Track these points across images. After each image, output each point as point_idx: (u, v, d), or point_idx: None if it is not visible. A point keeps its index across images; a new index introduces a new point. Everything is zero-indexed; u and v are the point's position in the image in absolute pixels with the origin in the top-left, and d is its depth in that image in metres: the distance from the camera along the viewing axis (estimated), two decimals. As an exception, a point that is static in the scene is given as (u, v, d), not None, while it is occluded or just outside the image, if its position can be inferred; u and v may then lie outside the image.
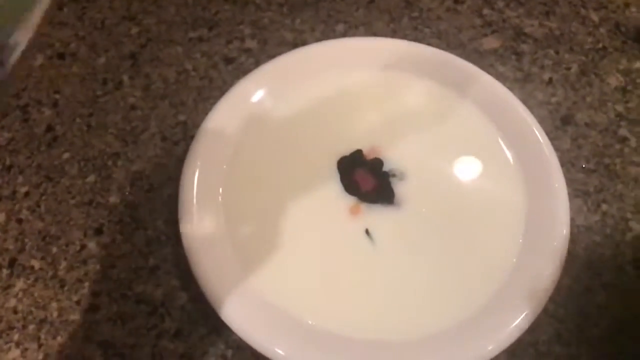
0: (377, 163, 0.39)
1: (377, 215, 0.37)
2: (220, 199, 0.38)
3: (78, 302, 0.37)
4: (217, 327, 0.35)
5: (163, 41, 0.47)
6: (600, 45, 0.47)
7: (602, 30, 0.48)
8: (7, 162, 0.42)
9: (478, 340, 0.33)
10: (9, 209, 0.40)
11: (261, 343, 0.33)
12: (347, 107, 0.41)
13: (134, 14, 0.49)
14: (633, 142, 0.42)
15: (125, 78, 0.45)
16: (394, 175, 0.39)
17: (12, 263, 0.38)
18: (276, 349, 0.33)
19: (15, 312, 0.36)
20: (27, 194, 0.41)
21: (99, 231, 0.39)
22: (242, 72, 0.44)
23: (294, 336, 0.33)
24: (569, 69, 0.46)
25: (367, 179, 0.39)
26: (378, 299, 0.35)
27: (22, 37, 0.47)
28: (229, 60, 0.46)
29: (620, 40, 0.47)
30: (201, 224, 0.36)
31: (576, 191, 0.40)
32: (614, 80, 0.45)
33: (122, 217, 0.39)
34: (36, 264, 0.38)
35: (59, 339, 0.35)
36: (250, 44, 0.47)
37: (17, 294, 0.37)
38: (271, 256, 0.36)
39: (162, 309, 0.36)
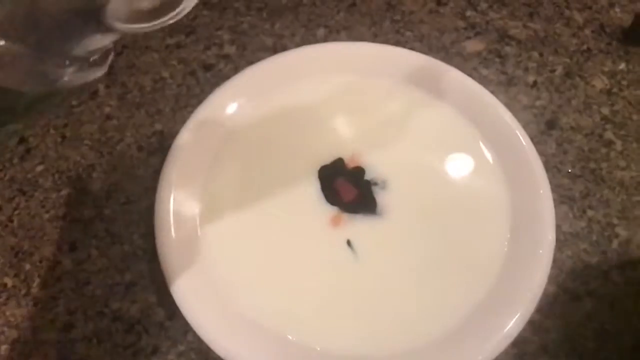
0: (359, 172, 0.38)
1: (359, 226, 0.36)
2: (197, 211, 0.37)
3: (52, 321, 0.36)
4: (196, 344, 0.34)
5: (139, 48, 0.46)
6: (585, 46, 0.46)
7: (586, 31, 0.47)
8: (-21, 176, 0.41)
9: (464, 352, 0.32)
10: (-19, 224, 0.39)
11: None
12: (328, 114, 0.41)
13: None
14: (619, 145, 0.41)
15: (100, 87, 0.44)
16: (375, 184, 0.38)
17: (-17, 281, 0.37)
18: (256, 367, 0.32)
19: (-14, 332, 0.35)
20: (-1, 208, 0.39)
21: (73, 246, 0.38)
22: (221, 78, 0.42)
23: (275, 353, 0.33)
24: (553, 71, 0.45)
25: (348, 188, 0.38)
26: (361, 312, 0.34)
27: None
28: (207, 67, 0.45)
29: (605, 41, 0.46)
30: (178, 238, 0.35)
31: (562, 197, 0.39)
32: (599, 83, 0.44)
33: (97, 231, 0.38)
34: (9, 281, 0.37)
35: (33, 359, 0.34)
36: (229, 49, 0.46)
37: (-11, 313, 0.36)
38: (250, 271, 0.35)
39: (138, 326, 0.35)
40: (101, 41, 0.22)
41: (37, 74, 0.20)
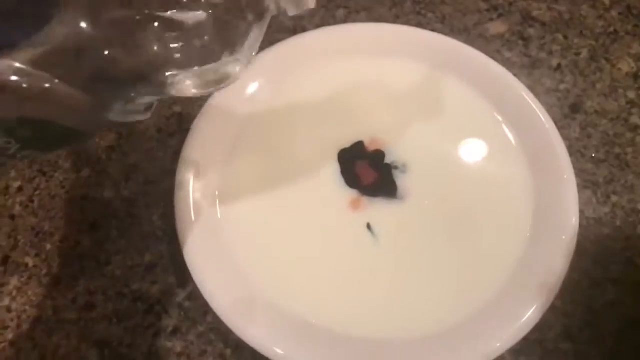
0: (379, 155, 0.38)
1: (379, 209, 0.36)
2: (217, 193, 0.37)
3: (73, 300, 0.36)
4: (216, 325, 0.34)
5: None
6: (612, 29, 0.45)
7: (613, 13, 0.46)
8: None
9: (484, 338, 0.32)
10: (2, 204, 0.39)
11: (260, 342, 0.32)
12: (348, 97, 0.40)
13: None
14: (645, 130, 0.41)
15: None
16: (396, 168, 0.37)
17: (5, 260, 0.37)
18: (275, 349, 0.32)
19: (9, 310, 0.36)
20: (20, 189, 0.40)
21: (93, 227, 0.38)
22: (240, 60, 0.42)
23: (293, 335, 0.33)
24: (578, 54, 0.44)
25: (368, 171, 0.37)
26: (380, 296, 0.34)
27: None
28: (226, 49, 0.45)
29: (632, 23, 0.45)
30: (198, 220, 0.35)
31: (585, 182, 0.39)
32: (626, 66, 0.43)
33: (117, 212, 0.38)
34: (30, 261, 0.37)
35: (54, 338, 0.35)
36: (248, 31, 0.45)
37: (11, 292, 0.36)
38: (270, 253, 0.35)
39: (158, 306, 0.36)
40: (154, 99, 0.23)
41: (84, 115, 0.21)
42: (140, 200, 0.39)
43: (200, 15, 0.21)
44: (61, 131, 0.22)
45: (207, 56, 0.22)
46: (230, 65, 0.22)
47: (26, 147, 0.22)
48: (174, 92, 0.22)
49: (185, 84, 0.22)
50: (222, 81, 0.23)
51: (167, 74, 0.21)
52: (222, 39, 0.22)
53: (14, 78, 0.19)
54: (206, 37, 0.21)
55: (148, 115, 0.24)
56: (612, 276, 0.36)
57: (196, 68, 0.22)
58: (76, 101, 0.21)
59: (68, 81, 0.20)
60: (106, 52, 0.20)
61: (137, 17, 0.20)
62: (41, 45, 0.20)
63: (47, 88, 0.20)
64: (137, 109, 0.23)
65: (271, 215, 0.36)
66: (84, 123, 0.22)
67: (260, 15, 0.23)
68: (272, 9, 0.23)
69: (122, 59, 0.20)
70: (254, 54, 0.24)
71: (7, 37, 0.19)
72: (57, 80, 0.20)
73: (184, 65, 0.21)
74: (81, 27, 0.20)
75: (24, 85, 0.19)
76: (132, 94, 0.22)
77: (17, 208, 0.39)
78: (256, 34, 0.23)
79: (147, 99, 0.23)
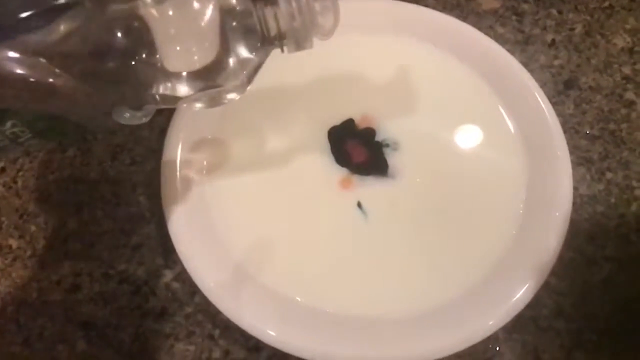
0: (370, 133, 0.37)
1: (369, 188, 0.36)
2: (204, 172, 0.36)
3: (58, 282, 0.35)
4: (204, 306, 0.34)
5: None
6: (606, 3, 0.44)
7: (608, -13, 0.45)
8: (-18, 137, 0.40)
9: (476, 315, 0.32)
10: (-15, 186, 0.38)
11: (249, 322, 0.31)
12: (338, 73, 0.39)
13: None
14: (640, 106, 0.40)
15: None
16: (387, 145, 0.37)
17: (-12, 243, 0.36)
18: (264, 329, 0.31)
19: (-7, 293, 0.35)
20: (2, 169, 0.39)
21: (79, 208, 0.37)
22: (228, 37, 0.41)
23: (283, 315, 0.32)
24: (572, 29, 0.43)
25: (359, 149, 0.37)
26: (371, 274, 0.34)
27: None
28: (213, 26, 0.44)
29: (628, -2, 0.44)
30: (184, 199, 0.34)
31: (579, 159, 0.38)
32: (621, 41, 0.43)
33: (103, 192, 0.38)
34: (14, 243, 0.36)
35: (39, 320, 0.34)
36: (236, 8, 0.44)
37: (-5, 275, 0.36)
38: (258, 232, 0.34)
39: (145, 287, 0.35)
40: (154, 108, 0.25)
41: (94, 113, 0.23)
42: (127, 180, 0.38)
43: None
44: (71, 126, 0.24)
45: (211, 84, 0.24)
46: (230, 92, 0.25)
47: (37, 136, 0.24)
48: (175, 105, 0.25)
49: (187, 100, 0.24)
50: (219, 103, 0.25)
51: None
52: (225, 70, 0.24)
53: (19, 71, 0.20)
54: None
55: (147, 119, 0.26)
56: (606, 254, 0.35)
57: (199, 93, 0.24)
58: (83, 98, 0.22)
59: (77, 77, 0.21)
60: (125, 61, 0.22)
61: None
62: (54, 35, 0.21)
63: (52, 82, 0.21)
64: (139, 114, 0.25)
65: (260, 194, 0.35)
66: (90, 121, 0.24)
67: (262, 55, 0.25)
68: (272, 47, 0.25)
69: (132, 71, 0.22)
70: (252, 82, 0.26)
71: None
72: (67, 76, 0.21)
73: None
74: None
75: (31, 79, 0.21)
76: (139, 102, 0.24)
77: (1, 189, 0.38)
78: (256, 67, 0.25)
79: (150, 108, 0.25)
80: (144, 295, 0.35)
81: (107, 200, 0.37)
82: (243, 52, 0.24)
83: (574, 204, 0.34)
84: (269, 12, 0.24)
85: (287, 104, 0.38)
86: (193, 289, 0.33)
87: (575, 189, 0.35)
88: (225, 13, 0.23)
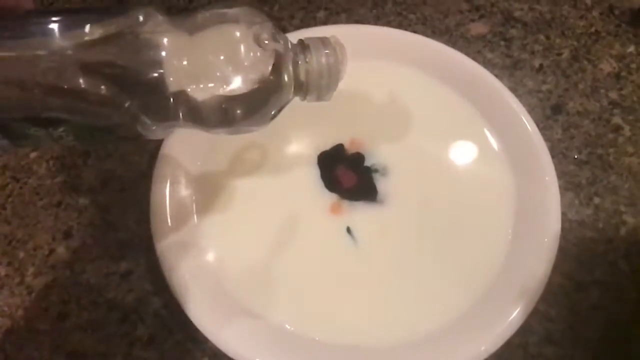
0: (359, 158, 0.37)
1: (359, 213, 0.36)
2: (194, 198, 0.36)
3: (46, 310, 0.35)
4: (193, 334, 0.33)
5: (135, 31, 0.45)
6: (593, 29, 0.45)
7: (594, 13, 0.46)
8: (-28, 163, 0.40)
9: (466, 342, 0.32)
10: (-27, 212, 0.38)
11: (238, 350, 0.31)
12: (328, 99, 0.39)
13: (107, 5, 0.47)
14: (627, 131, 0.40)
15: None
16: (376, 171, 0.37)
17: (-24, 270, 0.36)
18: (253, 357, 0.31)
19: (-21, 321, 0.35)
20: (-8, 196, 0.39)
21: (68, 234, 0.37)
22: (218, 63, 0.41)
23: (272, 343, 0.32)
24: (560, 54, 0.44)
25: (348, 175, 0.37)
26: (361, 302, 0.34)
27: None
28: (204, 51, 0.44)
29: (614, 23, 0.45)
30: (174, 225, 0.34)
31: (568, 184, 0.38)
32: (607, 66, 0.43)
33: (92, 219, 0.38)
34: (2, 270, 0.36)
35: (25, 349, 0.34)
36: (227, 33, 0.45)
37: (-18, 302, 0.35)
38: (248, 258, 0.34)
39: (134, 315, 0.35)
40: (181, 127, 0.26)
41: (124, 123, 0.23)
42: (116, 206, 0.38)
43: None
44: (110, 137, 0.25)
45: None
46: (252, 127, 0.27)
47: (78, 140, 0.24)
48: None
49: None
50: (237, 133, 0.27)
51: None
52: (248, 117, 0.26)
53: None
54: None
55: (168, 135, 0.28)
56: (596, 279, 0.35)
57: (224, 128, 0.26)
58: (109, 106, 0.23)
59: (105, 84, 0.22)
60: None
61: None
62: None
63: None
64: (163, 130, 0.25)
65: (249, 220, 0.35)
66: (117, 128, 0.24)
67: (282, 106, 0.27)
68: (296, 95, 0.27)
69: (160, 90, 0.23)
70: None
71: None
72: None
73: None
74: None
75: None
76: (163, 118, 0.24)
77: (-11, 215, 0.38)
78: (280, 109, 0.27)
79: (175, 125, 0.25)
80: (132, 322, 0.35)
81: (97, 226, 0.37)
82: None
83: (562, 229, 0.34)
84: (302, 67, 0.26)
85: (276, 129, 0.38)
86: (182, 317, 0.32)
87: (563, 214, 0.35)
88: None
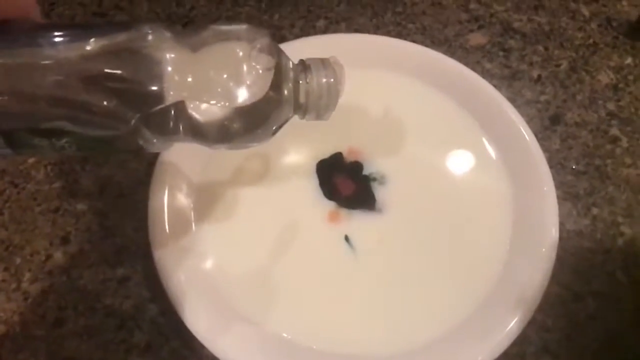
0: (357, 167, 0.37)
1: (357, 222, 0.36)
2: (192, 205, 0.36)
3: (43, 316, 0.35)
4: (189, 342, 0.33)
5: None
6: (591, 40, 0.45)
7: (592, 25, 0.46)
8: (-30, 167, 0.40)
9: (463, 352, 0.32)
10: (-29, 217, 0.38)
11: (235, 359, 0.31)
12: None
13: (106, 10, 0.47)
14: (625, 142, 0.40)
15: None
16: (374, 180, 0.37)
17: (-27, 275, 0.36)
18: (250, 365, 0.31)
19: (-25, 327, 0.35)
20: (-11, 201, 0.39)
21: (65, 240, 0.37)
22: (218, 70, 0.41)
23: (269, 351, 0.32)
24: (558, 65, 0.44)
25: (346, 183, 0.37)
26: (359, 310, 0.33)
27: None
28: (204, 58, 0.44)
29: (612, 35, 0.45)
30: (172, 232, 0.34)
31: (565, 194, 0.38)
32: (605, 77, 0.43)
33: (90, 225, 0.37)
34: (-1, 275, 0.36)
35: (20, 356, 0.34)
36: (227, 41, 0.45)
37: (-22, 308, 0.35)
38: (246, 266, 0.34)
39: (131, 322, 0.35)
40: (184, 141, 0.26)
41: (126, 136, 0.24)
42: (114, 212, 0.38)
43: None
44: (111, 149, 0.25)
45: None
46: (253, 143, 0.27)
47: (80, 151, 0.24)
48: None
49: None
50: (238, 149, 0.27)
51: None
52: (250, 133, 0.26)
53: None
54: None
55: (170, 147, 0.26)
56: (593, 289, 0.35)
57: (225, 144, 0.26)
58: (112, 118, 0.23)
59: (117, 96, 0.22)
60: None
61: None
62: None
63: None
64: (163, 143, 0.26)
65: (247, 227, 0.35)
66: (117, 140, 0.24)
67: (282, 124, 0.27)
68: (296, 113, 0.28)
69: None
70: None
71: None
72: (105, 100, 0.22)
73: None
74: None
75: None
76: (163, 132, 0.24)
77: (-13, 220, 0.38)
78: (281, 125, 0.27)
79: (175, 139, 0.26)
80: (129, 329, 0.34)
81: (94, 232, 0.37)
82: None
83: (560, 239, 0.34)
84: (302, 88, 0.27)
85: (275, 138, 0.38)
86: (179, 324, 0.32)
87: (561, 224, 0.35)
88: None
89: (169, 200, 0.35)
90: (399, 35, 0.45)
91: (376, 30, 0.46)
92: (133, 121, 0.23)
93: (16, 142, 0.23)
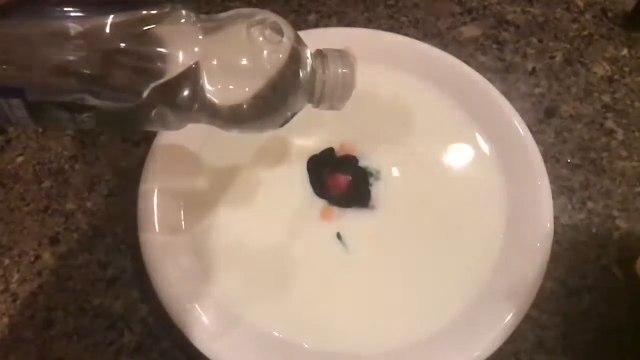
0: (350, 162, 0.37)
1: (349, 219, 0.35)
2: (182, 204, 0.35)
3: (31, 317, 0.34)
4: (180, 342, 0.33)
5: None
6: (586, 32, 0.45)
7: (587, 16, 0.45)
8: (-43, 167, 0.39)
9: (457, 349, 0.31)
10: (-42, 217, 0.38)
11: (226, 358, 0.31)
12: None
13: None
14: (620, 134, 0.40)
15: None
16: (370, 174, 0.36)
17: (-40, 276, 0.36)
18: (241, 365, 0.31)
19: (-37, 329, 0.34)
20: (-23, 201, 0.38)
21: (54, 240, 0.37)
22: (208, 66, 0.41)
23: (260, 350, 0.31)
24: (553, 57, 0.43)
25: (338, 179, 0.36)
26: (351, 308, 0.33)
27: None
28: (194, 54, 0.44)
29: (607, 26, 0.45)
30: (162, 232, 0.34)
31: (560, 188, 0.38)
32: (600, 69, 0.43)
33: (79, 224, 0.37)
34: (-14, 276, 0.36)
35: (10, 358, 0.33)
36: (217, 36, 0.44)
37: (-34, 310, 0.35)
38: (236, 265, 0.34)
39: (121, 322, 0.34)
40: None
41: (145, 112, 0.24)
42: (103, 212, 0.37)
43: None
44: (128, 124, 0.26)
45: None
46: (263, 130, 0.28)
47: (98, 125, 0.24)
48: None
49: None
50: (250, 133, 0.28)
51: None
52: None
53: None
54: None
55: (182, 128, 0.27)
56: (588, 284, 0.35)
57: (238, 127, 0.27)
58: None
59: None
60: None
61: None
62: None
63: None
64: (179, 123, 0.26)
65: (238, 225, 0.35)
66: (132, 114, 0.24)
67: (296, 111, 0.28)
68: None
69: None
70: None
71: None
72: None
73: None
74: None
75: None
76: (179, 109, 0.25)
77: (-26, 221, 0.37)
78: (290, 115, 0.28)
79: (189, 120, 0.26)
80: (119, 330, 0.34)
81: (83, 232, 0.37)
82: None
83: (555, 233, 0.34)
84: (319, 78, 0.27)
85: (266, 134, 0.38)
86: (169, 324, 0.32)
87: (556, 218, 0.35)
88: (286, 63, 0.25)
89: (158, 199, 0.35)
90: (392, 29, 0.44)
91: (368, 23, 0.45)
92: (151, 97, 0.23)
93: (38, 113, 0.23)
